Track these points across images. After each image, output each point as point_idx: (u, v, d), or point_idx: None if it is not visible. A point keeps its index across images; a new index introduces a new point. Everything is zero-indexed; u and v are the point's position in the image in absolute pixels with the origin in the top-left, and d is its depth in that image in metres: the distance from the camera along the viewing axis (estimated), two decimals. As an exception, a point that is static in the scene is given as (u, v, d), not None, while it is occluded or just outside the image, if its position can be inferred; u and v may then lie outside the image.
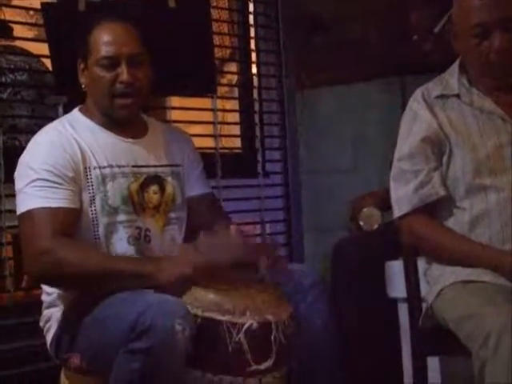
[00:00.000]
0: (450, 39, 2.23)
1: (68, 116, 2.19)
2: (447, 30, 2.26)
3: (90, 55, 2.10)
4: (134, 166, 2.13)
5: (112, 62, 2.08)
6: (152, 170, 2.16)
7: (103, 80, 2.08)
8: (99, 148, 2.10)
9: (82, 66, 2.14)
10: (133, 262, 1.97)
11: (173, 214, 2.17)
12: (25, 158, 2.06)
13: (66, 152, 2.05)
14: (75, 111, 2.19)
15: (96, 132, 2.13)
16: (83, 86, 2.15)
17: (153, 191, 2.14)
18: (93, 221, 2.05)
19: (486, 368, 1.84)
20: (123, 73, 2.07)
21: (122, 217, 2.07)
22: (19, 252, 2.08)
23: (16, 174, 2.07)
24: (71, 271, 1.92)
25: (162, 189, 2.16)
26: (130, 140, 2.16)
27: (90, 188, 2.06)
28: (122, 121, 2.13)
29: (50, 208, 1.98)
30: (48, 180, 2.00)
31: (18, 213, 2.02)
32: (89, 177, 2.06)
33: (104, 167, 2.08)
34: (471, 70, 2.23)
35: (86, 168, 2.06)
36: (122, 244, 2.07)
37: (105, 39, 2.08)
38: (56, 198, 1.99)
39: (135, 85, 2.09)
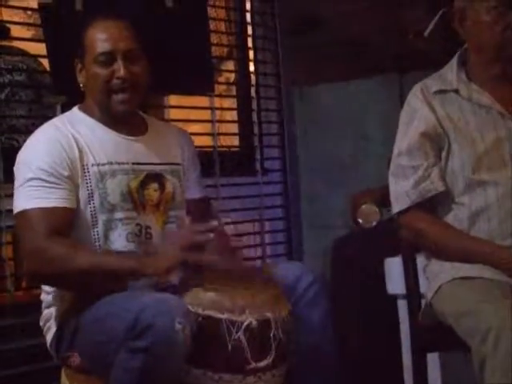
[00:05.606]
0: (455, 25, 2.20)
1: (68, 113, 2.19)
2: (457, 12, 2.22)
3: (85, 54, 2.11)
4: (134, 164, 2.13)
5: (108, 58, 2.08)
6: (152, 167, 2.16)
7: (100, 76, 2.08)
8: (98, 145, 2.10)
9: (79, 66, 2.15)
10: (123, 259, 1.99)
11: (173, 212, 2.17)
12: (22, 155, 2.07)
13: (62, 149, 2.05)
14: (75, 109, 2.19)
15: (95, 129, 2.13)
16: (81, 86, 2.16)
17: (153, 189, 2.14)
18: (92, 218, 2.06)
19: (486, 364, 1.84)
20: (119, 68, 2.07)
21: (120, 214, 2.07)
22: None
23: (15, 169, 2.07)
24: (61, 269, 1.93)
25: (162, 187, 2.16)
26: (131, 137, 2.16)
27: (88, 185, 2.05)
28: (119, 117, 2.13)
29: (44, 208, 1.98)
30: (43, 180, 2.00)
31: (14, 212, 2.03)
32: (86, 174, 2.06)
33: (103, 164, 2.08)
34: (482, 54, 2.20)
35: (83, 165, 2.06)
36: (120, 241, 2.07)
37: (99, 37, 2.09)
38: (51, 198, 2.00)
39: (132, 80, 2.09)
